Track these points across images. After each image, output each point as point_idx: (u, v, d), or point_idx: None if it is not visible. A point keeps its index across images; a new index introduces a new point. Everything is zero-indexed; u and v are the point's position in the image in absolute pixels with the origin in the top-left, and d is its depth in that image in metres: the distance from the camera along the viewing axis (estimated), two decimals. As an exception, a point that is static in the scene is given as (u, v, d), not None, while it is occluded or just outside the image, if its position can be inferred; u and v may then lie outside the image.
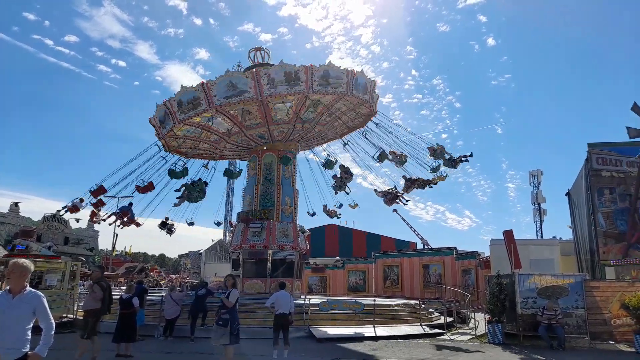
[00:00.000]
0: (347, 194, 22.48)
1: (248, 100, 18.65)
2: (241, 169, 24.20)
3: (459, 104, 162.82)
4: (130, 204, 21.82)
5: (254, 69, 18.71)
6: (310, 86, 18.52)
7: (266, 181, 22.48)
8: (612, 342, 13.73)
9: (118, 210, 21.62)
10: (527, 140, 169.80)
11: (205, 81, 18.91)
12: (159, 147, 22.12)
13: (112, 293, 10.84)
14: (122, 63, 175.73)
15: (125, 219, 21.75)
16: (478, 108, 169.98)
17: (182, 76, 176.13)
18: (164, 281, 49.48)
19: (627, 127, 20.16)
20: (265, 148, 22.69)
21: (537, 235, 39.56)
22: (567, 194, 27.38)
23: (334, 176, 21.25)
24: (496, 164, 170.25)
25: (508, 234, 16.84)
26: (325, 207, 24.96)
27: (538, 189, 40.87)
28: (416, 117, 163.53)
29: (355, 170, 24.24)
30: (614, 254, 20.61)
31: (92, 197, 20.61)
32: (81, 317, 9.82)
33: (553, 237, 31.36)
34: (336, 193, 22.75)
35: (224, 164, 25.80)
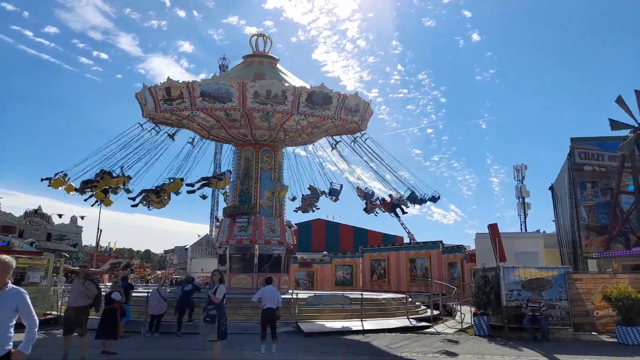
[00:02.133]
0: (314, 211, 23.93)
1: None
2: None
3: (444, 99, 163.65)
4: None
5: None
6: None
7: (245, 175, 22.30)
8: (594, 332, 13.99)
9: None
10: (511, 135, 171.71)
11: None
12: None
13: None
14: (104, 55, 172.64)
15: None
16: (463, 103, 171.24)
17: (166, 69, 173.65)
18: (149, 277, 49.08)
19: (610, 120, 20.47)
20: (244, 142, 22.51)
21: (521, 228, 40.00)
22: (551, 188, 27.79)
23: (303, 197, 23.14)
24: (481, 158, 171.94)
25: (493, 227, 17.01)
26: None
27: (522, 183, 41.32)
28: (402, 111, 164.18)
29: (342, 165, 24.38)
30: (596, 247, 20.98)
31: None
32: (69, 314, 9.46)
33: (537, 230, 31.79)
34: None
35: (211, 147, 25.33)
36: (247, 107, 18.34)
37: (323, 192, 23.02)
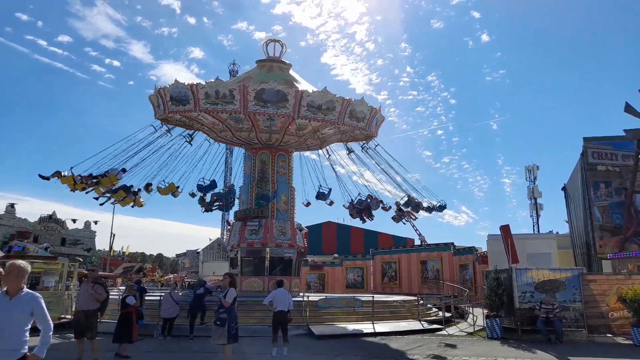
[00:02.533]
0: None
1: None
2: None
3: (454, 100, 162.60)
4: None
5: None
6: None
7: (261, 179, 22.36)
8: (609, 335, 13.80)
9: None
10: (522, 135, 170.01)
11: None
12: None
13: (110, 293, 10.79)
14: (116, 63, 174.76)
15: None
16: (473, 104, 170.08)
17: (177, 75, 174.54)
18: (160, 280, 49.39)
19: (625, 130, 20.11)
20: (260, 146, 22.62)
21: (533, 229, 39.64)
22: (563, 189, 27.45)
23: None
24: (492, 159, 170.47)
25: (505, 229, 16.87)
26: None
27: (534, 183, 40.95)
28: (411, 113, 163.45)
29: (353, 168, 24.54)
30: (610, 248, 20.68)
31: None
32: (79, 318, 9.58)
33: (550, 231, 31.48)
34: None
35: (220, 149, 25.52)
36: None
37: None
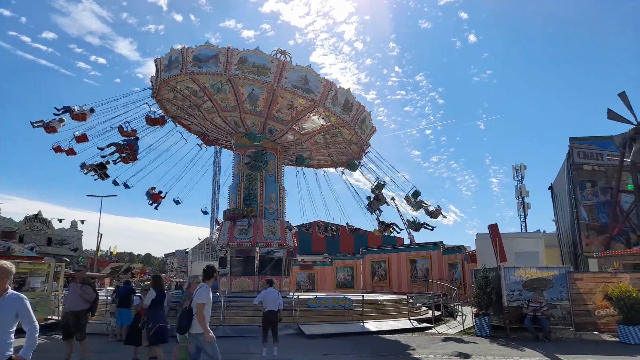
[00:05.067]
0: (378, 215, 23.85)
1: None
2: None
3: (442, 100, 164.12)
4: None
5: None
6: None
7: (249, 178, 22.25)
8: (596, 332, 13.97)
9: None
10: (509, 135, 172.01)
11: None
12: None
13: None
14: (102, 60, 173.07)
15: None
16: (461, 104, 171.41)
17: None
18: (149, 282, 48.93)
19: (612, 137, 20.43)
20: (248, 144, 22.47)
21: (521, 228, 40.05)
22: (550, 188, 27.80)
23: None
24: (479, 159, 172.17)
25: (493, 228, 17.03)
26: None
27: (522, 183, 41.37)
28: (400, 113, 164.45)
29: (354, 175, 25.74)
30: (596, 246, 20.99)
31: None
32: (68, 319, 9.43)
33: (537, 230, 31.83)
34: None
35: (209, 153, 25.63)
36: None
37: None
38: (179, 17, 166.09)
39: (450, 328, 16.19)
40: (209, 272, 6.75)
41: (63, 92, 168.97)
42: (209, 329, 6.30)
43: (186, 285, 9.36)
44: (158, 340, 8.53)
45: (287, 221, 23.13)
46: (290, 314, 15.04)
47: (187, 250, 63.74)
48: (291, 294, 20.17)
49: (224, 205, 23.29)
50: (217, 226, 26.33)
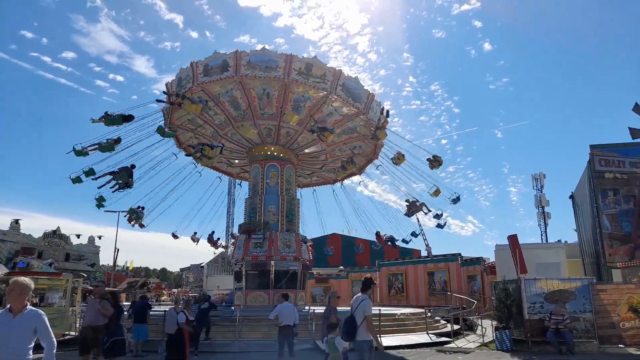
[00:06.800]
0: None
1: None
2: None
3: (457, 109, 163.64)
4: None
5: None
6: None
7: (254, 192, 22.59)
8: (621, 345, 13.55)
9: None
10: (527, 143, 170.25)
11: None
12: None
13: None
14: (119, 78, 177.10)
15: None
16: (477, 113, 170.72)
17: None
18: (164, 297, 49.12)
19: (629, 128, 20.09)
20: (261, 154, 22.63)
21: (542, 239, 39.21)
22: (571, 197, 27.25)
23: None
24: (497, 168, 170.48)
25: (512, 238, 16.71)
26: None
27: (541, 192, 40.61)
28: (415, 123, 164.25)
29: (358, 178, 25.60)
30: (620, 256, 20.41)
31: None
32: (86, 333, 9.42)
33: (558, 240, 31.10)
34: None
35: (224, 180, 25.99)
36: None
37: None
38: (194, 34, 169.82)
39: (469, 342, 15.83)
40: (366, 284, 7.11)
41: (82, 110, 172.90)
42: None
43: (327, 300, 9.93)
44: (116, 353, 9.02)
45: (303, 235, 23.07)
46: (306, 329, 14.87)
47: (203, 265, 63.99)
48: (307, 307, 19.98)
49: (239, 219, 23.52)
50: (233, 240, 26.39)
